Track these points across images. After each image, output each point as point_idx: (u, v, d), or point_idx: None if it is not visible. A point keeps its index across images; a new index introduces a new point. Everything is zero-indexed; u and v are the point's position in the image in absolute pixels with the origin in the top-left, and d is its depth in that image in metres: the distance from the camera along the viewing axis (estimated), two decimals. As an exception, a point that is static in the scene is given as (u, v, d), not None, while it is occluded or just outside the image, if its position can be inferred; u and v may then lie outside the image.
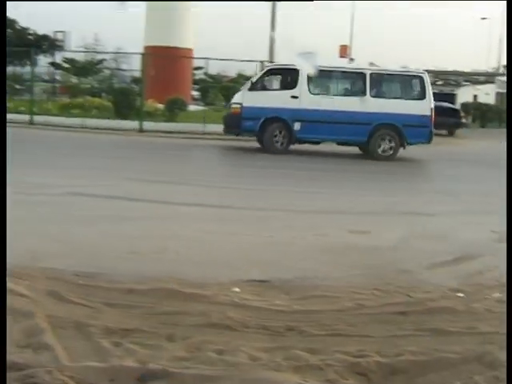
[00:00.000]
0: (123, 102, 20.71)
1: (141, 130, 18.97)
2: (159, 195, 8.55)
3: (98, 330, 3.59)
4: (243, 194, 9.11)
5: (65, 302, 4.05)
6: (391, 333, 3.78)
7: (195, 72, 34.77)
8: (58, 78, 38.34)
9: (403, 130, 15.35)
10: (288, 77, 15.92)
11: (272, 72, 16.48)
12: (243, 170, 12.66)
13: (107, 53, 36.11)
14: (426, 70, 16.71)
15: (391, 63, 33.87)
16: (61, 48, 39.41)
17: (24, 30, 46.43)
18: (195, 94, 33.47)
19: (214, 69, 38.90)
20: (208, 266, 5.16)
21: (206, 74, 38.61)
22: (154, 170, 11.33)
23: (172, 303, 4.10)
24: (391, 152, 15.42)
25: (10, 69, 40.69)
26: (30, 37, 43.20)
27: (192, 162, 14.71)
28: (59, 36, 40.74)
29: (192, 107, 25.14)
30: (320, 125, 15.00)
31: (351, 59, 50.29)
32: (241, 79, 44.86)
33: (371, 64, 15.53)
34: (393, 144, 15.42)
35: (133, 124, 19.32)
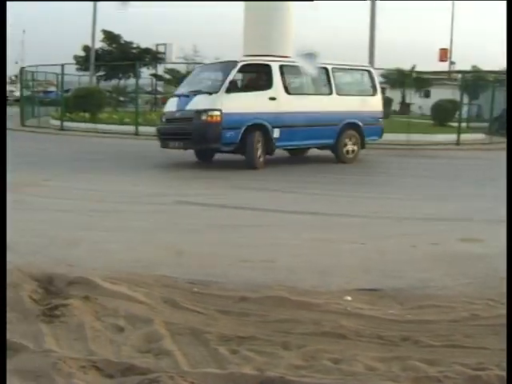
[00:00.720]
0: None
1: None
2: (265, 203, 8.62)
3: (214, 336, 3.65)
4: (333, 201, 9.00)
5: (180, 309, 4.14)
6: (510, 345, 3.66)
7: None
8: (159, 89, 39.49)
9: (363, 129, 14.39)
10: (262, 74, 13.68)
11: (246, 69, 13.54)
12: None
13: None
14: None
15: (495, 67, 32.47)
16: (162, 60, 40.46)
17: (128, 44, 48.07)
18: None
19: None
20: (315, 274, 5.16)
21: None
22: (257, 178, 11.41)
23: (284, 311, 4.11)
24: (354, 153, 14.37)
25: (114, 82, 42.33)
26: (134, 50, 44.64)
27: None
28: (161, 48, 41.78)
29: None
30: (297, 129, 13.26)
31: (452, 62, 49.27)
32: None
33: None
34: (356, 144, 14.39)
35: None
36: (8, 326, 3.77)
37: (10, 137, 20.86)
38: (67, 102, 25.81)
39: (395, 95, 36.70)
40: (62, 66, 24.83)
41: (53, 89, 36.32)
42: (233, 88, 12.56)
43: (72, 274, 4.73)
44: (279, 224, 7.33)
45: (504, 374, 3.15)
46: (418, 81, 32.61)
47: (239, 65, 12.79)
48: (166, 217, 7.68)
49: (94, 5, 31.94)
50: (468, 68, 35.06)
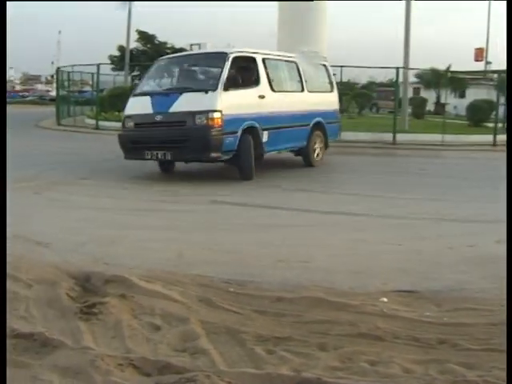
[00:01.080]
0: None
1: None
2: (300, 203, 8.60)
3: (250, 336, 3.66)
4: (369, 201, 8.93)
5: (216, 308, 4.15)
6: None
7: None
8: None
9: (327, 128, 13.32)
10: (250, 69, 11.50)
11: (236, 62, 10.98)
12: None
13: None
14: None
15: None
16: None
17: (162, 43, 48.46)
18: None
19: (344, 75, 38.75)
20: (352, 274, 5.13)
21: (337, 81, 38.50)
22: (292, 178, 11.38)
23: (320, 312, 4.09)
24: (320, 156, 13.17)
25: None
26: (168, 50, 44.94)
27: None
28: (195, 48, 41.96)
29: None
30: (281, 132, 11.64)
31: (488, 62, 48.66)
32: (373, 86, 44.66)
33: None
34: (322, 145, 13.23)
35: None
36: (46, 323, 3.84)
37: (46, 136, 21.28)
38: (102, 102, 26.10)
39: (430, 95, 36.39)
40: (98, 65, 25.07)
41: (88, 88, 36.78)
42: (230, 85, 10.46)
43: (108, 272, 4.78)
44: (314, 224, 7.31)
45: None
46: (453, 81, 32.26)
47: (231, 57, 10.76)
48: (202, 216, 7.71)
49: (129, 5, 32.24)
50: (504, 68, 34.58)
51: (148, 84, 11.89)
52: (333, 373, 3.17)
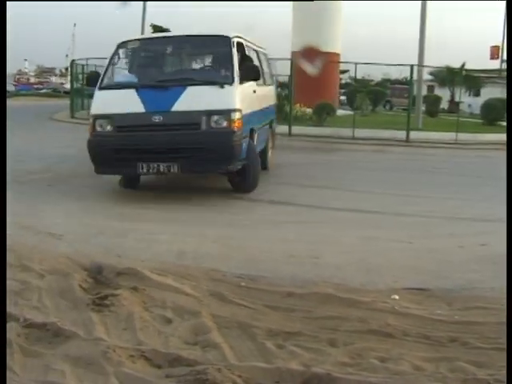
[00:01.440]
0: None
1: (289, 134, 19.13)
2: (312, 199, 8.59)
3: (260, 331, 3.68)
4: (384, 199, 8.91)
5: (227, 302, 4.18)
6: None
7: (341, 76, 34.70)
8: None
9: (274, 127, 12.04)
10: (246, 58, 9.21)
11: (238, 50, 8.93)
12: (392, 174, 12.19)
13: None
14: None
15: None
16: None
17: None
18: (342, 98, 33.37)
19: (358, 72, 38.70)
20: (363, 271, 5.14)
21: (351, 78, 38.43)
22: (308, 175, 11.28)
23: (331, 308, 4.11)
24: (270, 156, 11.50)
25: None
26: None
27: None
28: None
29: (339, 112, 25.06)
30: (260, 132, 9.80)
31: (504, 61, 48.30)
32: (387, 83, 44.51)
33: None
34: (272, 145, 11.82)
35: (282, 128, 19.49)
36: (58, 314, 3.87)
37: (60, 128, 21.30)
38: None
39: (444, 93, 36.22)
40: (112, 58, 25.04)
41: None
42: (242, 77, 8.49)
43: (120, 265, 4.81)
44: (325, 221, 7.31)
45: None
46: (468, 79, 32.08)
47: (235, 42, 8.83)
48: (213, 211, 7.73)
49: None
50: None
51: (121, 74, 9.46)
52: (342, 368, 3.19)
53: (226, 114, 8.02)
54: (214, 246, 5.86)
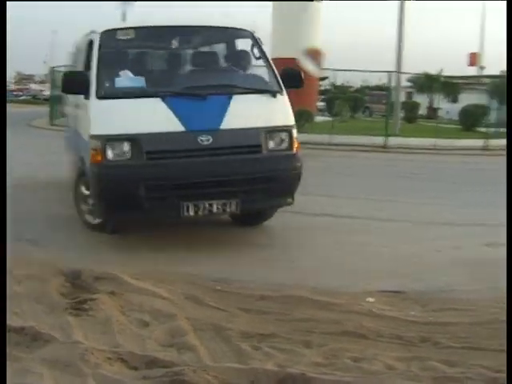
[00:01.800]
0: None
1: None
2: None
3: (235, 333, 3.74)
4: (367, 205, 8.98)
5: (202, 305, 4.25)
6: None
7: (320, 83, 34.84)
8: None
9: None
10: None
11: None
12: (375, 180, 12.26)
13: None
14: None
15: None
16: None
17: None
18: (320, 104, 33.46)
19: (338, 79, 38.74)
20: (339, 275, 5.21)
21: (332, 84, 38.56)
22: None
23: (305, 310, 4.18)
24: None
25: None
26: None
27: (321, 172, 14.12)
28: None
29: (318, 118, 25.15)
30: None
31: (481, 67, 48.82)
32: (366, 89, 44.70)
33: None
34: None
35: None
36: (36, 318, 3.89)
37: (39, 135, 21.12)
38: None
39: (422, 100, 36.48)
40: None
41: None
42: (285, 84, 6.54)
43: (98, 270, 4.84)
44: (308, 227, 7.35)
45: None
46: (446, 85, 32.33)
47: (261, 39, 6.88)
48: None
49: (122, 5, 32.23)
50: (497, 73, 34.73)
51: (125, 75, 6.42)
52: (317, 369, 3.25)
53: (287, 131, 6.33)
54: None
